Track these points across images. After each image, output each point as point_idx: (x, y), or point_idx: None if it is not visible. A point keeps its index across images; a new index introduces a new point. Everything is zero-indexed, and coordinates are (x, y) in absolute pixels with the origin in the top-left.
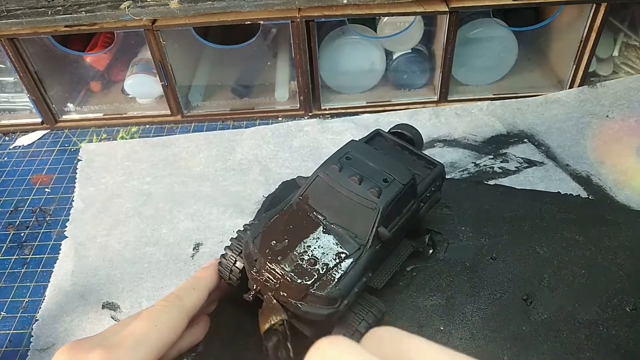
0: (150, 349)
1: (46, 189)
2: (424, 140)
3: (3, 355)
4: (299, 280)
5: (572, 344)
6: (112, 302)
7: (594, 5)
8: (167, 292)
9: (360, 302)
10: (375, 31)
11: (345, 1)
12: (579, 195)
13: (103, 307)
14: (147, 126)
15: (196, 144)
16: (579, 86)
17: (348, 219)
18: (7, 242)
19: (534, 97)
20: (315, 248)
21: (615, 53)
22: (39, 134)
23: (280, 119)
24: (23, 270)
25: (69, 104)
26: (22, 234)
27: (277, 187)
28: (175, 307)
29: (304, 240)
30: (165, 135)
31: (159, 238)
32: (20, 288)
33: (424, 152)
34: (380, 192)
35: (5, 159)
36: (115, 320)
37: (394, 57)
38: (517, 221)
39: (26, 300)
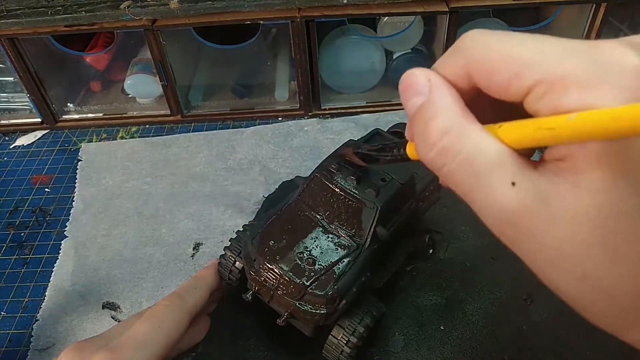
0: (154, 350)
1: (46, 189)
2: None
3: (3, 355)
4: (297, 280)
5: (572, 343)
6: (112, 302)
7: (594, 5)
8: (167, 292)
9: (359, 302)
10: (375, 31)
11: (345, 1)
12: None
13: (103, 307)
14: (147, 126)
15: (196, 144)
16: None
17: (346, 218)
18: (7, 242)
19: None
20: (313, 248)
21: None
22: (38, 133)
23: (280, 118)
24: (23, 270)
25: (69, 104)
26: (22, 234)
27: (277, 187)
28: (178, 307)
29: (302, 240)
30: (165, 135)
31: (159, 238)
32: (20, 288)
33: None
34: (378, 192)
35: (5, 158)
36: (116, 320)
37: (394, 57)
38: None
39: (26, 300)
